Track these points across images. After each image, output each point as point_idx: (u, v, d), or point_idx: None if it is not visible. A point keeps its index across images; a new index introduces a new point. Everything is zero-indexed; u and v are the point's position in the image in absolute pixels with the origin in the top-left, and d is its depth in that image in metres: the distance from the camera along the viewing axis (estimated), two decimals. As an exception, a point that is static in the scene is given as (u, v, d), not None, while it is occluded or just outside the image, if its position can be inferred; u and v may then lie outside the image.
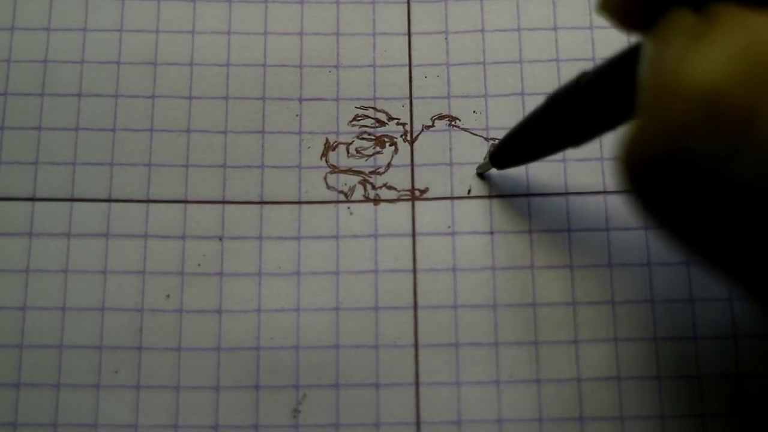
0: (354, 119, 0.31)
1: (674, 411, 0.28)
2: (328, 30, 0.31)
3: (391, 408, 0.28)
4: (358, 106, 0.31)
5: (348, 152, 0.30)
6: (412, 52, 0.31)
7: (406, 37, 0.31)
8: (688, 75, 0.17)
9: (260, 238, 0.29)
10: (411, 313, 0.29)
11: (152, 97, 0.31)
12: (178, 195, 0.30)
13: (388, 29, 0.31)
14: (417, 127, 0.30)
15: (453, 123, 0.30)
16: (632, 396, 0.28)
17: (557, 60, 0.31)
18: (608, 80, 0.22)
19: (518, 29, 0.31)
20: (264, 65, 0.31)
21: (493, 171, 0.30)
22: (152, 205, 0.30)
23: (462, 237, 0.29)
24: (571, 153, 0.30)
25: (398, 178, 0.30)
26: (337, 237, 0.29)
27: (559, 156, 0.30)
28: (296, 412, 0.28)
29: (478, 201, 0.30)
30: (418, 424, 0.28)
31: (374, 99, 0.31)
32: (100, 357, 0.28)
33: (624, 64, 0.21)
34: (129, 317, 0.29)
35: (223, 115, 0.31)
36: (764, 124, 0.16)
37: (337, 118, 0.31)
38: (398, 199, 0.30)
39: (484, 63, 0.31)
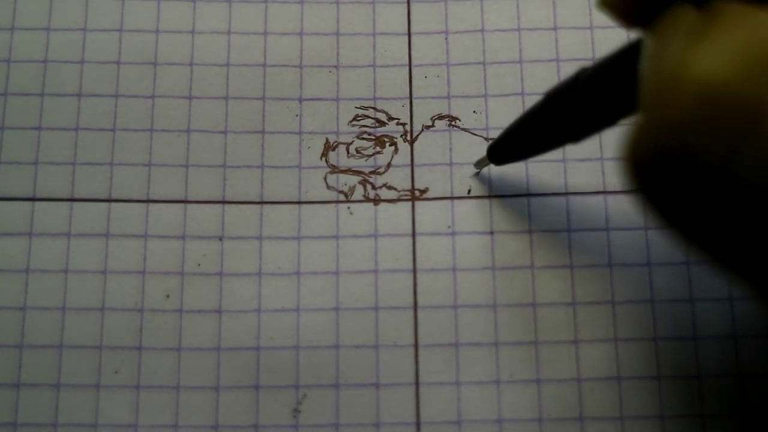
0: (354, 119, 0.31)
1: (674, 411, 0.28)
2: (328, 30, 0.31)
3: (391, 408, 0.28)
4: (358, 106, 0.31)
5: (348, 152, 0.30)
6: (412, 52, 0.31)
7: (406, 37, 0.31)
8: (689, 72, 0.17)
9: (260, 238, 0.29)
10: (411, 313, 0.29)
11: (152, 97, 0.31)
12: (178, 195, 0.30)
13: (388, 29, 0.31)
14: (417, 127, 0.30)
15: (453, 123, 0.30)
16: (632, 396, 0.28)
17: (557, 60, 0.31)
18: (608, 76, 0.22)
19: (518, 29, 0.31)
20: (264, 65, 0.31)
21: (493, 171, 0.30)
22: (152, 205, 0.30)
23: (462, 237, 0.29)
24: (571, 153, 0.30)
25: (398, 178, 0.30)
26: (337, 237, 0.29)
27: (559, 156, 0.30)
28: (296, 412, 0.28)
29: (478, 201, 0.30)
30: (418, 424, 0.28)
31: (374, 99, 0.31)
32: (100, 357, 0.28)
33: (624, 60, 0.21)
34: (129, 317, 0.29)
35: (223, 115, 0.31)
36: (765, 123, 0.16)
37: (337, 118, 0.31)
38: (398, 199, 0.30)
39: (484, 63, 0.31)
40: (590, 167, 0.30)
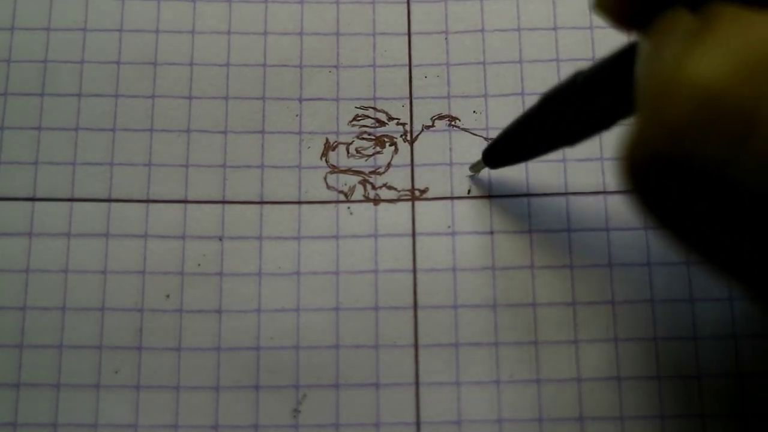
0: (354, 119, 0.31)
1: (674, 411, 0.28)
2: (328, 30, 0.31)
3: (391, 408, 0.28)
4: (358, 106, 0.31)
5: (348, 152, 0.30)
6: (412, 52, 0.31)
7: (406, 37, 0.31)
8: (686, 76, 0.17)
9: (260, 238, 0.29)
10: (411, 313, 0.29)
11: (152, 97, 0.31)
12: (178, 195, 0.30)
13: (388, 29, 0.31)
14: (417, 127, 0.30)
15: (453, 123, 0.30)
16: (632, 396, 0.28)
17: (557, 60, 0.31)
18: (604, 79, 0.22)
19: (518, 29, 0.31)
20: (264, 65, 0.31)
21: (493, 171, 0.30)
22: (152, 205, 0.30)
23: (462, 237, 0.29)
24: (571, 153, 0.30)
25: (398, 178, 0.30)
26: (337, 237, 0.29)
27: (559, 156, 0.30)
28: (296, 412, 0.28)
29: (478, 201, 0.30)
30: (418, 424, 0.28)
31: (374, 99, 0.31)
32: (100, 357, 0.28)
33: (620, 62, 0.21)
34: (129, 317, 0.29)
35: (223, 115, 0.31)
36: (762, 127, 0.16)
37: (337, 118, 0.31)
38: (398, 199, 0.30)
39: (484, 63, 0.31)
40: (590, 167, 0.30)
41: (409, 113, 0.31)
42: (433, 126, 0.30)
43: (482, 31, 0.31)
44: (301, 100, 0.31)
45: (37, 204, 0.30)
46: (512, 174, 0.30)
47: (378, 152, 0.30)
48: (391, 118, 0.31)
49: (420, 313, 0.29)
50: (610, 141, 0.30)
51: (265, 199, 0.30)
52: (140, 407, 0.28)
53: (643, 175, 0.18)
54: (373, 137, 0.30)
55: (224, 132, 0.30)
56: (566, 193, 0.30)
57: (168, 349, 0.28)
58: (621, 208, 0.29)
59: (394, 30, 0.31)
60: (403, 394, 0.28)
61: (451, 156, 0.30)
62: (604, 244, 0.29)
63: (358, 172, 0.30)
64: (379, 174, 0.30)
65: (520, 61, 0.31)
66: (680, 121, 0.17)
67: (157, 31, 0.31)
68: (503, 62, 0.31)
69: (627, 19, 0.20)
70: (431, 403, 0.28)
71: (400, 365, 0.28)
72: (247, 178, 0.30)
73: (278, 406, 0.28)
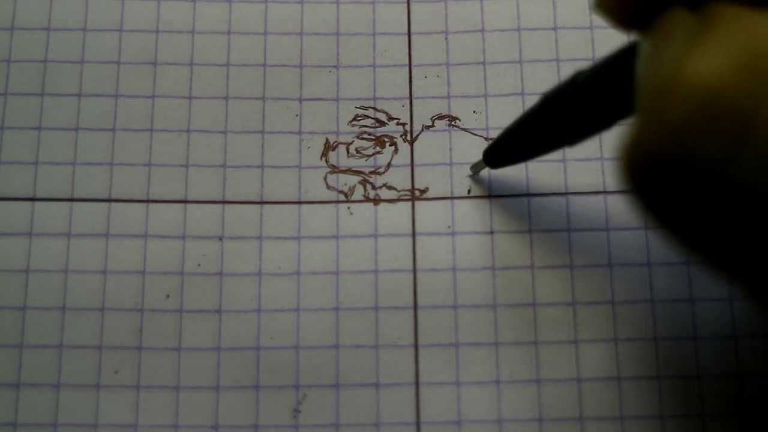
0: (354, 119, 0.31)
1: (674, 411, 0.28)
2: (328, 30, 0.31)
3: (391, 408, 0.28)
4: (358, 106, 0.31)
5: (348, 152, 0.30)
6: (412, 52, 0.31)
7: (406, 37, 0.31)
8: (687, 75, 0.17)
9: (260, 238, 0.29)
10: (411, 313, 0.29)
11: (152, 97, 0.31)
12: (178, 195, 0.30)
13: (388, 29, 0.31)
14: (417, 127, 0.30)
15: (453, 123, 0.30)
16: (632, 396, 0.28)
17: (557, 60, 0.31)
18: (604, 79, 0.22)
19: (518, 29, 0.31)
20: (264, 65, 0.31)
21: (493, 171, 0.30)
22: (152, 205, 0.30)
23: (462, 237, 0.29)
24: (571, 153, 0.30)
25: (398, 178, 0.30)
26: (337, 237, 0.29)
27: (559, 156, 0.30)
28: (296, 412, 0.28)
29: (478, 201, 0.30)
30: (418, 424, 0.28)
31: (374, 99, 0.31)
32: (100, 357, 0.28)
33: (621, 62, 0.21)
34: (129, 317, 0.29)
35: (223, 115, 0.31)
36: (763, 125, 0.16)
37: (337, 118, 0.31)
38: (398, 199, 0.30)
39: (484, 63, 0.31)
40: (590, 167, 0.30)
41: (409, 113, 0.31)
42: (433, 126, 0.30)
43: (482, 31, 0.31)
44: (301, 100, 0.31)
45: (37, 204, 0.30)
46: (512, 174, 0.30)
47: (378, 152, 0.30)
48: (391, 118, 0.31)
49: (420, 313, 0.29)
50: (610, 141, 0.30)
51: (265, 199, 0.30)
52: (140, 407, 0.28)
53: (643, 175, 0.18)
54: (373, 137, 0.30)
55: (224, 132, 0.30)
56: (566, 193, 0.30)
57: (168, 349, 0.28)
58: (621, 208, 0.29)
59: (394, 30, 0.31)
60: (403, 394, 0.28)
61: (451, 156, 0.30)
62: (604, 244, 0.29)
63: (358, 172, 0.30)
64: (379, 174, 0.30)
65: (520, 61, 0.31)
66: (681, 120, 0.17)
67: (157, 31, 0.31)
68: (503, 62, 0.31)
69: (627, 19, 0.20)
70: (431, 403, 0.28)
71: (400, 365, 0.28)
72: (247, 178, 0.30)
73: (278, 406, 0.28)
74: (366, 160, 0.30)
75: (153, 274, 0.29)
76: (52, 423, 0.28)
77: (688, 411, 0.28)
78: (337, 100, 0.31)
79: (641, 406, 0.28)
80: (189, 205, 0.30)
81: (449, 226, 0.29)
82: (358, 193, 0.30)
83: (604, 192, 0.30)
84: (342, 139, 0.30)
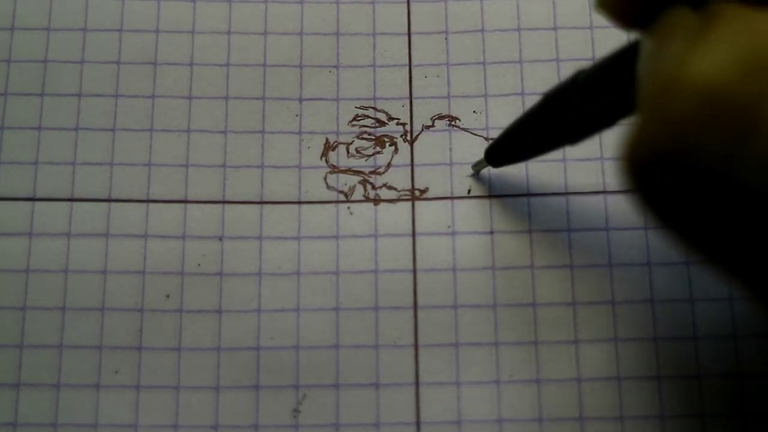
0: (354, 119, 0.31)
1: (674, 411, 0.28)
2: (328, 30, 0.31)
3: (391, 408, 0.28)
4: (358, 106, 0.31)
5: (348, 152, 0.30)
6: (412, 52, 0.31)
7: (406, 37, 0.31)
8: (689, 73, 0.17)
9: (260, 238, 0.29)
10: (411, 313, 0.29)
11: (152, 97, 0.31)
12: (178, 195, 0.30)
13: (388, 29, 0.31)
14: (417, 127, 0.30)
15: (453, 123, 0.30)
16: (632, 396, 0.28)
17: (557, 60, 0.31)
18: (606, 77, 0.22)
19: (518, 29, 0.31)
20: (264, 65, 0.31)
21: (493, 171, 0.30)
22: (152, 205, 0.30)
23: (462, 237, 0.29)
24: (571, 153, 0.30)
25: (398, 178, 0.30)
26: (337, 237, 0.29)
27: (559, 156, 0.30)
28: (296, 412, 0.28)
29: (478, 201, 0.30)
30: (418, 424, 0.28)
31: (374, 99, 0.31)
32: (100, 357, 0.28)
33: (622, 61, 0.21)
34: (129, 317, 0.29)
35: (223, 115, 0.31)
36: (765, 125, 0.16)
37: (337, 118, 0.31)
38: (398, 199, 0.30)
39: (484, 63, 0.31)
40: (590, 167, 0.30)
41: (409, 113, 0.31)
42: (433, 126, 0.30)
43: (482, 31, 0.31)
44: (301, 100, 0.31)
45: (37, 204, 0.30)
46: (512, 174, 0.30)
47: (378, 152, 0.30)
48: (391, 118, 0.31)
49: (420, 313, 0.29)
50: (611, 141, 0.30)
51: (265, 199, 0.30)
52: (140, 407, 0.28)
53: (644, 174, 0.18)
54: (373, 137, 0.30)
55: (224, 132, 0.30)
56: (566, 193, 0.30)
57: (168, 349, 0.28)
58: (621, 208, 0.29)
59: (394, 30, 0.31)
60: (403, 394, 0.28)
61: (451, 156, 0.30)
62: (604, 244, 0.29)
63: (358, 172, 0.30)
64: (379, 174, 0.30)
65: (520, 61, 0.31)
66: (682, 119, 0.17)
67: (157, 31, 0.31)
68: (503, 62, 0.31)
69: (629, 18, 0.20)
70: (431, 403, 0.28)
71: (400, 365, 0.28)
72: (247, 178, 0.30)
73: (278, 406, 0.28)
74: (366, 160, 0.30)
75: (153, 274, 0.29)
76: (52, 423, 0.28)
77: (688, 411, 0.28)
78: (337, 100, 0.31)
79: (641, 406, 0.28)
80: (189, 205, 0.30)
81: (449, 226, 0.29)
82: (358, 193, 0.30)
83: (604, 192, 0.30)
84: (342, 139, 0.30)
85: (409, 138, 0.30)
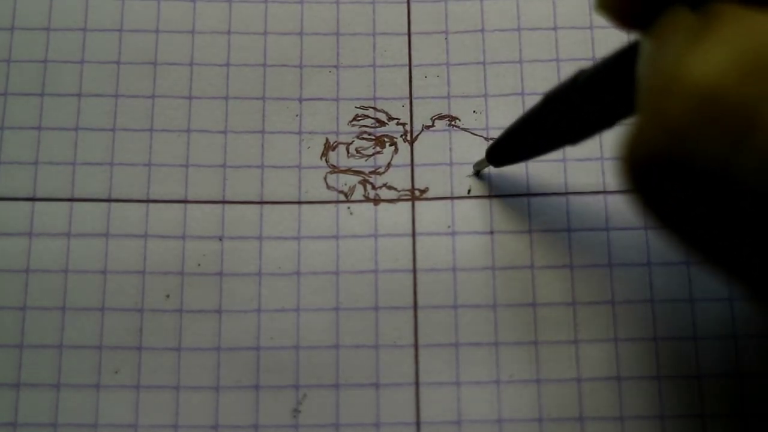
0: (354, 119, 0.31)
1: (674, 411, 0.28)
2: (328, 30, 0.31)
3: (391, 408, 0.28)
4: (358, 106, 0.31)
5: (348, 152, 0.30)
6: (412, 52, 0.31)
7: (406, 37, 0.31)
8: (687, 75, 0.17)
9: (260, 238, 0.29)
10: (411, 313, 0.29)
11: (152, 97, 0.31)
12: (178, 195, 0.30)
13: (388, 29, 0.31)
14: (417, 127, 0.30)
15: (453, 123, 0.30)
16: (632, 396, 0.28)
17: (557, 60, 0.31)
18: (606, 78, 0.22)
19: (518, 29, 0.31)
20: (264, 65, 0.31)
21: (493, 171, 0.30)
22: (152, 205, 0.30)
23: (462, 237, 0.29)
24: (571, 153, 0.30)
25: (398, 178, 0.30)
26: (337, 237, 0.29)
27: (559, 156, 0.30)
28: (296, 412, 0.28)
29: (478, 201, 0.30)
30: (418, 424, 0.28)
31: (374, 99, 0.31)
32: (100, 357, 0.28)
33: (622, 61, 0.21)
34: (129, 317, 0.29)
35: (223, 115, 0.31)
36: (764, 125, 0.16)
37: (337, 118, 0.31)
38: (398, 199, 0.30)
39: (484, 63, 0.31)
40: (590, 167, 0.30)
41: (409, 113, 0.31)
42: (433, 126, 0.30)
43: (482, 31, 0.31)
44: (301, 100, 0.31)
45: (37, 204, 0.30)
46: (512, 174, 0.30)
47: (378, 152, 0.30)
48: (391, 118, 0.31)
49: (420, 313, 0.29)
50: (611, 141, 0.30)
51: (265, 199, 0.30)
52: (140, 407, 0.28)
53: (643, 175, 0.18)
54: (373, 137, 0.30)
55: (224, 132, 0.30)
56: (566, 193, 0.30)
57: (168, 349, 0.28)
58: (621, 208, 0.29)
59: (394, 30, 0.31)
60: (403, 394, 0.28)
61: (451, 156, 0.30)
62: (604, 244, 0.29)
63: (358, 172, 0.30)
64: (379, 174, 0.30)
65: (520, 61, 0.31)
66: (681, 121, 0.17)
67: (157, 31, 0.31)
68: (503, 62, 0.31)
69: (629, 19, 0.20)
70: (431, 403, 0.28)
71: (400, 365, 0.28)
72: (247, 178, 0.30)
73: (278, 406, 0.28)
74: (366, 160, 0.30)
75: (153, 274, 0.29)
76: (52, 423, 0.28)
77: (688, 411, 0.28)
78: (337, 100, 0.31)
79: (641, 406, 0.28)
80: (189, 205, 0.30)
81: (449, 226, 0.29)
82: (358, 193, 0.30)
83: (604, 192, 0.30)
84: (342, 139, 0.30)
85: (409, 138, 0.30)
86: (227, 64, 0.31)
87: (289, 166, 0.30)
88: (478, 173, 0.30)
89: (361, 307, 0.29)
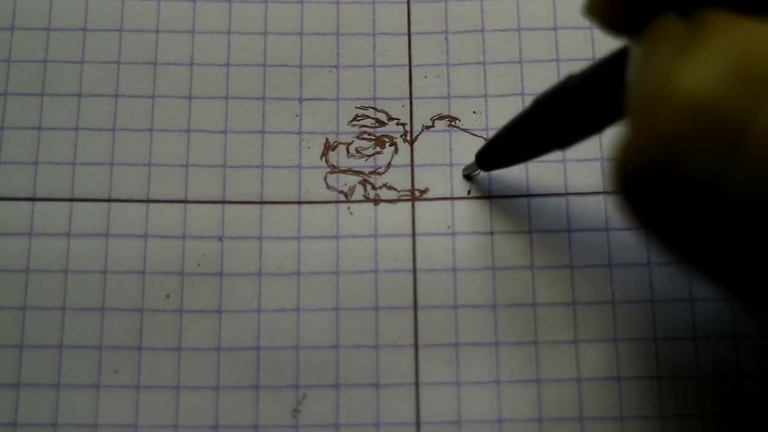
0: (354, 119, 0.31)
1: (674, 411, 0.28)
2: (328, 30, 0.31)
3: (391, 408, 0.28)
4: (358, 106, 0.31)
5: (348, 152, 0.30)
6: (412, 52, 0.31)
7: (406, 37, 0.31)
8: (678, 86, 0.16)
9: (260, 238, 0.29)
10: (411, 313, 0.29)
11: (152, 97, 0.31)
12: (178, 195, 0.30)
13: (388, 29, 0.31)
14: (417, 127, 0.30)
15: (453, 123, 0.30)
16: (632, 396, 0.28)
17: (557, 60, 0.31)
18: (596, 83, 0.22)
19: (518, 29, 0.31)
20: (264, 65, 0.31)
21: (493, 172, 0.30)
22: (152, 205, 0.30)
23: (462, 237, 0.29)
24: (571, 153, 0.30)
25: (398, 178, 0.30)
26: (337, 237, 0.29)
27: (558, 156, 0.30)
28: (296, 412, 0.28)
29: (478, 201, 0.30)
30: (418, 424, 0.28)
31: (374, 99, 0.31)
32: (100, 357, 0.28)
33: (612, 66, 0.21)
34: (129, 317, 0.29)
35: (223, 115, 0.31)
36: (756, 136, 0.16)
37: (337, 118, 0.31)
38: (398, 200, 0.30)
39: (484, 63, 0.31)
40: (590, 167, 0.30)
41: (409, 113, 0.31)
42: (433, 126, 0.30)
43: (482, 31, 0.31)
44: (301, 100, 0.31)
45: (37, 204, 0.30)
46: (512, 174, 0.30)
47: (378, 152, 0.30)
48: (391, 118, 0.31)
49: (420, 313, 0.29)
50: (611, 141, 0.30)
51: (265, 199, 0.30)
52: (140, 407, 0.28)
53: (634, 185, 0.18)
54: (373, 137, 0.30)
55: (224, 132, 0.30)
56: (566, 194, 0.30)
57: (168, 349, 0.28)
58: (621, 208, 0.29)
59: (394, 30, 0.31)
60: (403, 394, 0.28)
61: (451, 156, 0.30)
62: (604, 244, 0.29)
63: (358, 172, 0.30)
64: (379, 174, 0.30)
65: (520, 61, 0.31)
66: (672, 132, 0.16)
67: (157, 31, 0.31)
68: (503, 62, 0.31)
69: (618, 25, 0.20)
70: (431, 403, 0.28)
71: (400, 365, 0.28)
72: (247, 178, 0.30)
73: (278, 406, 0.28)
74: (366, 160, 0.30)
75: (153, 274, 0.29)
76: (52, 423, 0.28)
77: (688, 411, 0.28)
78: (337, 100, 0.31)
79: (641, 406, 0.28)
80: (189, 205, 0.30)
81: (449, 227, 0.29)
82: (358, 193, 0.30)
83: (604, 192, 0.30)
84: (342, 139, 0.30)
85: (409, 138, 0.30)
86: (227, 64, 0.31)
87: (289, 166, 0.30)
88: (468, 176, 0.30)
89: (361, 307, 0.29)
